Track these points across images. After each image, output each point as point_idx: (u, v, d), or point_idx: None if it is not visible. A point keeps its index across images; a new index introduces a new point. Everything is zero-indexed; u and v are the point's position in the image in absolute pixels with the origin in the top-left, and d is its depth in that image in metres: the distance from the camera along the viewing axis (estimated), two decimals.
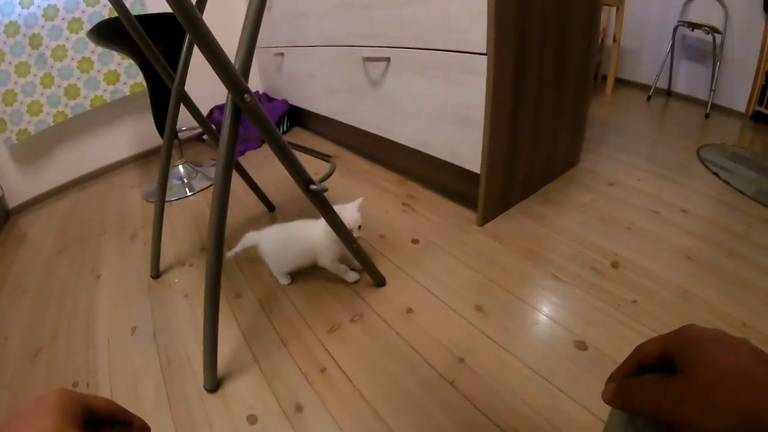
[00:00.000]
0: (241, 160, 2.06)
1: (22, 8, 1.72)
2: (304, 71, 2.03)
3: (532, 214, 1.33)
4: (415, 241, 1.25)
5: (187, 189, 1.79)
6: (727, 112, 2.27)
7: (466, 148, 1.22)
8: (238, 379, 0.86)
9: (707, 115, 2.23)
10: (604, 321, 0.90)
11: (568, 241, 1.18)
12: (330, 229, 0.92)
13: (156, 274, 1.23)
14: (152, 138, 2.31)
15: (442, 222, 1.34)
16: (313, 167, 1.80)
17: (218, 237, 0.77)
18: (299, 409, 0.79)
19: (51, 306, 1.19)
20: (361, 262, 1.01)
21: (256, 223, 1.44)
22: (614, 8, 2.62)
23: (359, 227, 1.00)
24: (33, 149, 1.96)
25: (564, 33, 1.24)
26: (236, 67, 0.69)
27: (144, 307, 1.12)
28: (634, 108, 2.47)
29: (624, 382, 0.29)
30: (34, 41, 1.78)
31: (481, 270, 1.10)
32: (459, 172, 1.33)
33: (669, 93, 2.68)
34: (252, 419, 0.78)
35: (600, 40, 2.92)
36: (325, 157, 1.15)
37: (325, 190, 0.83)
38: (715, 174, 1.51)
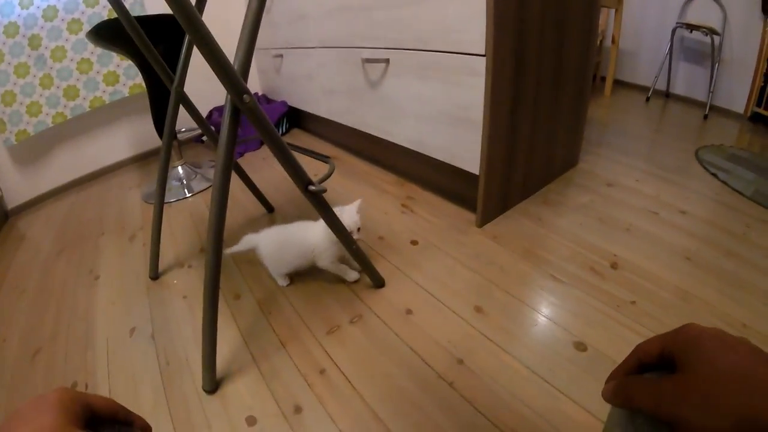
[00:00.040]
0: (241, 161, 2.06)
1: (22, 9, 1.72)
2: (303, 72, 2.04)
3: (531, 215, 1.33)
4: (414, 243, 1.25)
5: (186, 190, 1.79)
6: (726, 113, 2.27)
7: (465, 149, 1.23)
8: (237, 381, 0.86)
9: (706, 117, 2.23)
10: (603, 322, 0.90)
11: (567, 242, 1.18)
12: (329, 230, 0.92)
13: (155, 275, 1.23)
14: (151, 139, 2.31)
15: (441, 223, 1.34)
16: (313, 168, 1.80)
17: (217, 238, 0.77)
18: (298, 410, 0.78)
19: (50, 306, 1.19)
20: (360, 263, 1.01)
21: (255, 225, 1.44)
22: (613, 10, 2.62)
23: (358, 229, 1.00)
24: (32, 150, 1.96)
25: (563, 34, 1.24)
26: (235, 67, 0.69)
27: (143, 308, 1.12)
28: (633, 109, 2.47)
29: (624, 380, 0.29)
30: (34, 42, 1.78)
31: (480, 271, 1.10)
32: (458, 174, 1.33)
33: (668, 94, 2.69)
34: (251, 420, 0.78)
35: (599, 42, 2.93)
36: (324, 158, 1.15)
37: (324, 190, 0.83)
38: (714, 175, 1.51)
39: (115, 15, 1.11)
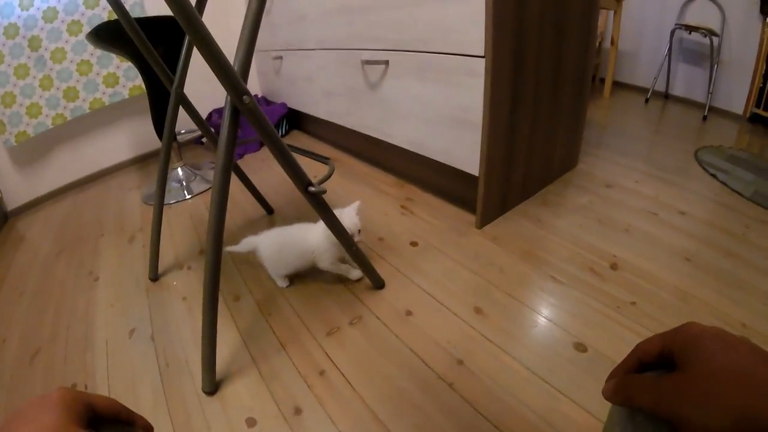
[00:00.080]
0: (240, 163, 2.06)
1: (22, 10, 1.72)
2: (303, 74, 2.04)
3: (531, 216, 1.33)
4: (413, 244, 1.25)
5: (185, 192, 1.79)
6: (725, 114, 2.28)
7: (464, 150, 1.23)
8: (236, 382, 0.86)
9: (705, 118, 2.24)
10: (603, 323, 0.90)
11: (567, 243, 1.18)
12: (328, 231, 0.92)
13: (154, 276, 1.23)
14: (151, 141, 2.30)
15: (441, 224, 1.34)
16: (312, 170, 1.80)
17: (217, 239, 0.77)
18: (298, 411, 0.78)
19: (49, 308, 1.18)
20: (359, 264, 1.01)
21: (254, 226, 1.44)
22: (612, 11, 2.63)
23: (359, 231, 1.00)
24: (32, 151, 1.96)
25: (562, 36, 1.24)
26: (235, 68, 0.70)
27: (142, 310, 1.12)
28: (632, 111, 2.47)
29: (624, 378, 0.29)
30: (34, 43, 1.78)
31: (479, 272, 1.10)
32: (457, 175, 1.33)
33: (667, 96, 2.69)
34: (251, 422, 0.77)
35: (598, 44, 2.94)
36: (323, 159, 1.15)
37: (324, 191, 0.83)
38: (713, 176, 1.51)
39: (114, 17, 1.11)
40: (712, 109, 2.29)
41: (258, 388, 0.84)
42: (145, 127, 2.24)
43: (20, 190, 1.94)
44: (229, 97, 0.70)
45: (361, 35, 1.49)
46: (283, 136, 2.43)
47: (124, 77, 2.05)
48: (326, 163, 1.09)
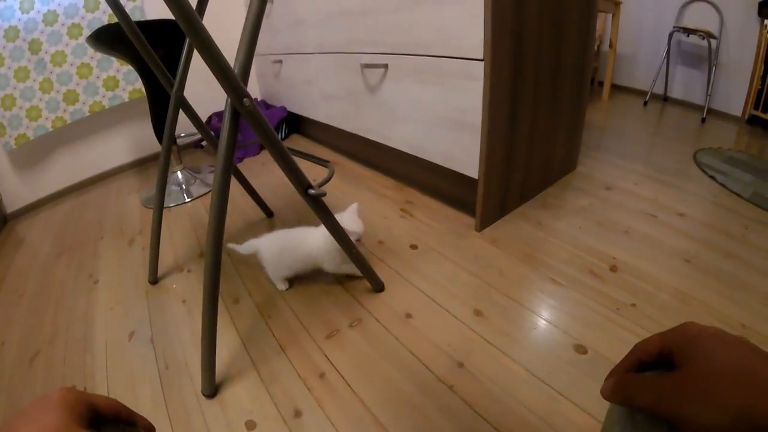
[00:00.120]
0: (240, 166, 2.06)
1: (22, 13, 1.73)
2: (302, 78, 2.04)
3: (530, 218, 1.33)
4: (413, 247, 1.25)
5: (185, 195, 1.79)
6: (724, 116, 2.29)
7: (463, 153, 1.23)
8: (236, 385, 0.86)
9: (703, 120, 2.24)
10: (603, 324, 0.90)
11: (566, 245, 1.19)
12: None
13: (154, 279, 1.23)
14: (150, 144, 2.31)
15: (441, 227, 1.34)
16: (312, 174, 1.80)
17: (216, 242, 0.77)
18: (298, 414, 0.78)
19: (49, 310, 1.18)
20: (359, 267, 1.01)
21: (254, 229, 1.44)
22: (610, 14, 2.64)
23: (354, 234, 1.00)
24: (31, 154, 1.96)
25: (560, 38, 1.25)
26: (236, 71, 0.70)
27: (142, 312, 1.12)
28: (631, 113, 2.48)
29: (623, 377, 0.29)
30: (34, 46, 1.78)
31: (479, 275, 1.10)
32: (457, 178, 1.34)
33: (665, 98, 2.70)
34: (250, 425, 0.77)
35: (596, 47, 2.95)
36: (323, 162, 1.15)
37: (324, 194, 0.84)
38: (712, 177, 1.52)
39: (115, 20, 1.11)
40: (710, 111, 2.29)
41: (258, 390, 0.84)
42: (144, 131, 2.25)
43: (20, 192, 1.94)
44: (229, 99, 0.71)
45: (360, 39, 1.49)
46: (282, 139, 2.43)
47: (124, 80, 2.06)
48: (326, 166, 1.09)
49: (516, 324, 0.93)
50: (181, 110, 1.14)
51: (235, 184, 1.09)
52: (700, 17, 2.37)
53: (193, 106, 1.18)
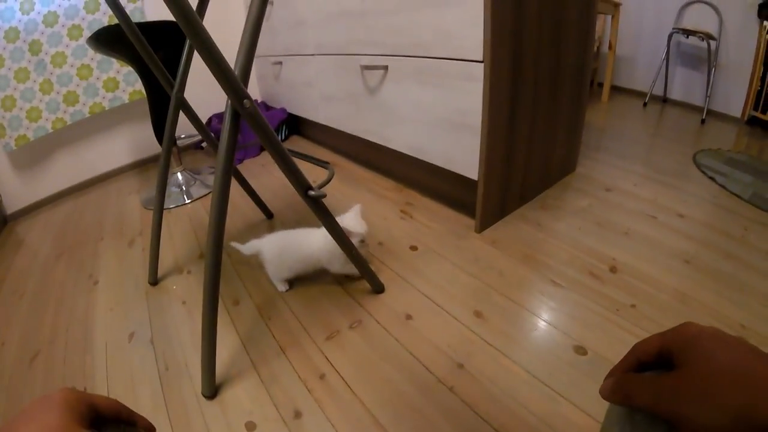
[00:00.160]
0: (240, 167, 2.06)
1: (23, 14, 1.73)
2: (302, 79, 2.05)
3: (530, 220, 1.33)
4: (413, 248, 1.25)
5: (185, 196, 1.79)
6: (723, 117, 2.29)
7: (463, 154, 1.23)
8: (236, 386, 0.86)
9: (703, 121, 2.25)
10: (603, 325, 0.90)
11: (566, 246, 1.19)
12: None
13: (154, 280, 1.23)
14: (150, 146, 2.31)
15: (440, 228, 1.34)
16: (312, 175, 1.80)
17: (217, 243, 0.77)
18: (298, 415, 0.78)
19: (48, 311, 1.18)
20: (359, 268, 1.01)
21: (254, 230, 1.44)
22: (610, 16, 2.64)
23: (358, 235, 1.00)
24: (31, 155, 1.96)
25: (560, 40, 1.25)
26: (236, 72, 0.70)
27: (142, 313, 1.12)
28: (631, 114, 2.49)
29: (623, 377, 0.29)
30: (34, 47, 1.79)
31: (479, 276, 1.10)
32: (456, 179, 1.34)
33: (665, 99, 2.71)
34: (250, 426, 0.77)
35: (596, 48, 2.95)
36: (323, 164, 1.15)
37: (324, 195, 0.84)
38: (712, 178, 1.52)
39: (115, 21, 1.12)
40: (710, 112, 2.30)
41: (258, 391, 0.84)
42: (144, 132, 2.25)
43: (20, 193, 1.95)
44: (229, 101, 0.71)
45: (360, 40, 1.50)
46: (282, 141, 2.43)
47: (124, 82, 2.06)
48: (326, 168, 1.09)
49: (516, 325, 0.93)
50: (181, 111, 1.14)
51: (235, 186, 1.09)
52: (699, 18, 2.38)
53: (193, 108, 1.18)
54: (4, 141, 1.80)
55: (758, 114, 2.07)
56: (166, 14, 0.73)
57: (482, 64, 1.06)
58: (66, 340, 1.06)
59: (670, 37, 2.45)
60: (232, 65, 0.69)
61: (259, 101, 2.64)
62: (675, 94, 2.66)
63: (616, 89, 2.98)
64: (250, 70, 0.73)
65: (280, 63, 2.21)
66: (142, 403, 0.85)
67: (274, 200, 1.64)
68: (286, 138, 2.47)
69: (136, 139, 2.31)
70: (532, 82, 1.21)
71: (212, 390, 0.84)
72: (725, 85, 2.29)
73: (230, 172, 0.75)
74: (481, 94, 1.09)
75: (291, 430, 0.76)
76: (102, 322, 1.11)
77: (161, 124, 1.59)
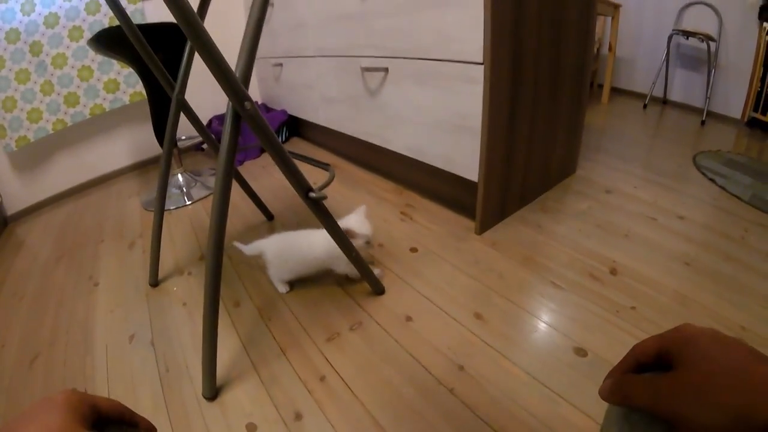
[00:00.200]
0: (240, 169, 2.06)
1: (23, 15, 1.74)
2: (303, 81, 2.05)
3: (530, 222, 1.33)
4: (413, 250, 1.25)
5: (185, 198, 1.80)
6: (723, 119, 2.29)
7: (463, 156, 1.23)
8: (236, 387, 0.86)
9: (703, 123, 2.25)
10: (603, 327, 0.90)
11: (566, 248, 1.19)
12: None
13: (154, 282, 1.23)
14: (151, 147, 2.32)
15: (441, 230, 1.34)
16: (312, 177, 1.80)
17: (217, 245, 0.77)
18: (298, 416, 0.78)
19: (49, 312, 1.18)
20: (360, 270, 1.01)
21: (254, 232, 1.44)
22: (609, 17, 2.65)
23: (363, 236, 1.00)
24: (32, 156, 1.96)
25: (559, 42, 1.25)
26: (237, 74, 0.70)
27: (142, 315, 1.12)
28: (631, 116, 2.49)
29: (622, 378, 0.29)
30: (35, 48, 1.79)
31: (479, 278, 1.10)
32: (457, 181, 1.34)
33: (665, 101, 2.71)
34: (251, 427, 0.77)
35: (596, 49, 2.95)
36: (323, 166, 1.16)
37: (325, 197, 0.84)
38: (712, 180, 1.52)
39: (115, 23, 1.12)
40: (710, 113, 2.30)
41: (258, 393, 0.84)
42: (145, 134, 2.26)
43: (20, 195, 1.95)
44: (230, 102, 0.71)
45: (360, 42, 1.50)
46: (283, 142, 2.44)
47: (124, 83, 2.06)
48: (326, 170, 1.09)
49: (516, 327, 0.93)
50: (182, 113, 1.14)
51: (235, 187, 1.09)
52: (699, 20, 2.38)
53: (194, 109, 1.18)
54: (4, 142, 1.80)
55: (758, 115, 2.07)
56: (166, 16, 0.73)
57: (482, 66, 1.06)
58: (66, 341, 1.06)
59: (669, 38, 2.45)
60: (232, 67, 0.69)
61: (259, 103, 2.64)
62: (675, 95, 2.66)
63: (616, 91, 2.98)
64: (251, 71, 0.73)
65: (281, 65, 2.21)
66: (142, 404, 0.85)
67: (275, 202, 1.64)
68: (287, 140, 2.48)
69: (136, 141, 2.31)
70: (532, 84, 1.21)
71: (213, 391, 0.84)
72: (725, 86, 2.29)
73: (231, 173, 0.75)
74: (481, 96, 1.09)
75: (291, 431, 0.76)
76: (102, 323, 1.11)
77: (162, 126, 1.59)
